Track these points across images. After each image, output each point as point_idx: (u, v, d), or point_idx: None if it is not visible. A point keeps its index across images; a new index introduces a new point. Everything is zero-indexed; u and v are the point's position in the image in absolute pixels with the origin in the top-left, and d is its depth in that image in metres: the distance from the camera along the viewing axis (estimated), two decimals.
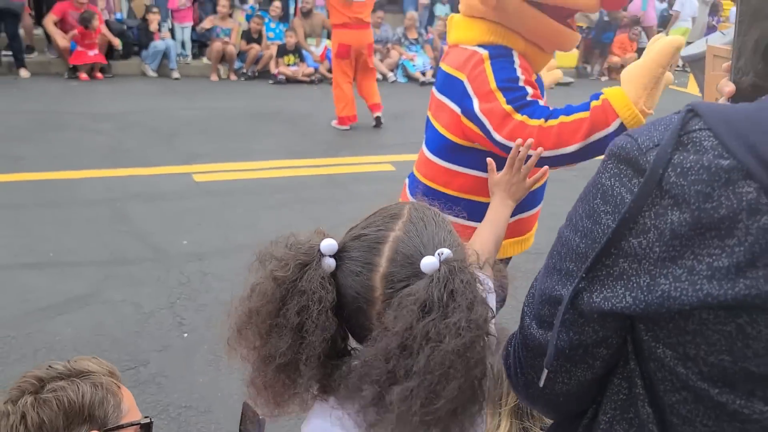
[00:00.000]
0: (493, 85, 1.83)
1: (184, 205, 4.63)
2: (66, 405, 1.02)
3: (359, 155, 6.13)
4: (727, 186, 0.67)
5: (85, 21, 8.07)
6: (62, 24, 8.24)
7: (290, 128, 6.90)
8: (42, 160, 5.23)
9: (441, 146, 2.01)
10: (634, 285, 0.73)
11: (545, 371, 0.84)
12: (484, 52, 1.89)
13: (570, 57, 12.00)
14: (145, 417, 1.14)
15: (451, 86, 1.94)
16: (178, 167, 5.37)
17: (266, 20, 9.75)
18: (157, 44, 8.74)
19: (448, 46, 2.08)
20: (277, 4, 9.84)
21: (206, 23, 9.34)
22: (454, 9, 2.56)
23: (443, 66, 2.03)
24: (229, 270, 3.73)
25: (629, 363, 0.81)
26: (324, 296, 0.87)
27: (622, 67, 12.03)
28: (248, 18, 9.75)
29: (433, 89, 2.09)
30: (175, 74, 8.86)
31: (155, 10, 8.99)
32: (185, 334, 3.12)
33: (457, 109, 1.91)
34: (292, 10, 10.60)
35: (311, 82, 9.33)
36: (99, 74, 8.34)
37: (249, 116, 7.21)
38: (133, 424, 1.11)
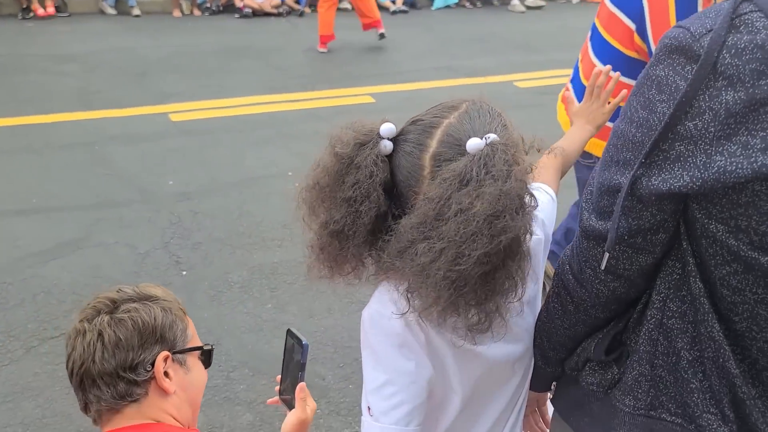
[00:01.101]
0: (672, 19, 1.84)
1: (165, 145, 4.53)
2: (140, 325, 1.05)
3: (337, 88, 6.02)
4: None
5: None
6: None
7: (263, 63, 6.71)
8: (9, 105, 5.02)
9: (610, 57, 1.99)
10: (691, 165, 0.77)
11: (606, 255, 0.88)
12: None
13: None
14: (206, 344, 1.18)
15: (628, 1, 1.93)
16: (153, 107, 5.21)
17: None
18: None
19: None
20: None
21: None
22: None
23: None
24: (219, 207, 3.70)
25: (681, 243, 0.86)
26: (375, 172, 0.93)
27: None
28: None
29: (606, 0, 2.07)
30: (135, 11, 8.46)
31: None
32: (184, 272, 3.12)
33: (632, 26, 1.92)
34: None
35: (279, 14, 9.02)
36: (51, 9, 7.91)
37: (219, 52, 6.98)
38: (197, 348, 1.15)
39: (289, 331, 1.15)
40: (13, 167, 4.03)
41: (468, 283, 0.86)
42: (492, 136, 0.89)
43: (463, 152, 0.89)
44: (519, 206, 0.86)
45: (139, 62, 6.40)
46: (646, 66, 0.86)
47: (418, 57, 7.29)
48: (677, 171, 0.78)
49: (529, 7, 10.62)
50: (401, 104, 5.63)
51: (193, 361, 1.14)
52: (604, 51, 2.07)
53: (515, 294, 0.92)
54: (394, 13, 9.58)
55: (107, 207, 3.64)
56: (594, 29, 2.13)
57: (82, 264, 3.13)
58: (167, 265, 3.17)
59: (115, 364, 1.03)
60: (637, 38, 1.93)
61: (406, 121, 0.99)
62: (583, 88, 2.15)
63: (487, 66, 7.02)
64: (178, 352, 1.10)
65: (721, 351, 0.85)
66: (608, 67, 1.47)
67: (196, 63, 6.52)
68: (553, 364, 1.10)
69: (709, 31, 0.76)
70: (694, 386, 0.88)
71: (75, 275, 3.04)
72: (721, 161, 0.74)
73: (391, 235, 0.92)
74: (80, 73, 5.95)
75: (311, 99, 5.70)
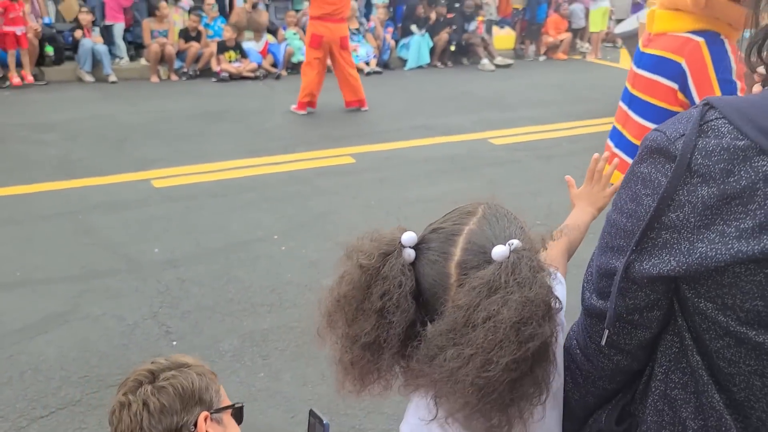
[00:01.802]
0: (713, 78, 2.06)
1: (148, 212, 4.53)
2: (180, 390, 1.15)
3: (317, 149, 6.13)
4: (744, 162, 0.81)
5: None
6: None
7: (242, 126, 6.82)
8: None
9: (656, 115, 2.19)
10: (677, 251, 0.86)
11: (606, 331, 0.96)
12: (701, 39, 2.09)
13: (507, 39, 12.27)
14: (237, 403, 1.27)
15: (666, 67, 2.16)
16: (135, 174, 5.24)
17: (202, 16, 9.54)
18: (85, 42, 8.40)
19: (653, 34, 2.27)
20: (210, 0, 9.65)
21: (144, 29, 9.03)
22: None
23: (652, 51, 2.23)
24: (207, 274, 3.70)
25: (677, 320, 0.93)
26: (404, 281, 0.95)
27: (557, 46, 12.41)
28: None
29: (639, 70, 2.29)
30: (112, 77, 8.57)
31: (85, 9, 8.68)
32: (174, 342, 3.09)
33: (674, 86, 2.14)
34: (227, 5, 10.40)
35: (256, 77, 9.21)
36: (29, 77, 7.97)
37: (198, 116, 7.08)
38: (232, 406, 1.24)
39: (311, 412, 1.18)
40: None
41: (496, 390, 0.88)
42: (515, 243, 0.92)
43: (489, 259, 0.92)
44: (546, 312, 0.90)
45: (119, 129, 6.45)
46: (632, 163, 0.96)
47: (395, 116, 7.48)
48: (665, 256, 0.87)
49: (498, 66, 11.02)
50: (381, 164, 5.75)
51: (228, 419, 1.23)
52: (649, 111, 2.28)
53: (539, 399, 0.94)
54: (369, 74, 9.85)
55: (93, 278, 3.61)
56: (632, 97, 2.35)
57: (69, 338, 3.08)
58: (157, 335, 3.13)
59: (162, 429, 1.12)
60: (680, 95, 2.16)
61: (425, 228, 1.02)
62: (635, 148, 2.34)
63: (463, 124, 7.23)
64: (216, 411, 1.19)
65: (723, 420, 0.90)
66: (606, 153, 1.58)
67: (175, 128, 6.60)
68: None
69: (682, 135, 0.87)
70: None
71: (63, 350, 2.98)
72: (702, 248, 0.83)
73: (419, 342, 0.93)
74: (60, 141, 5.97)
75: (292, 161, 5.79)
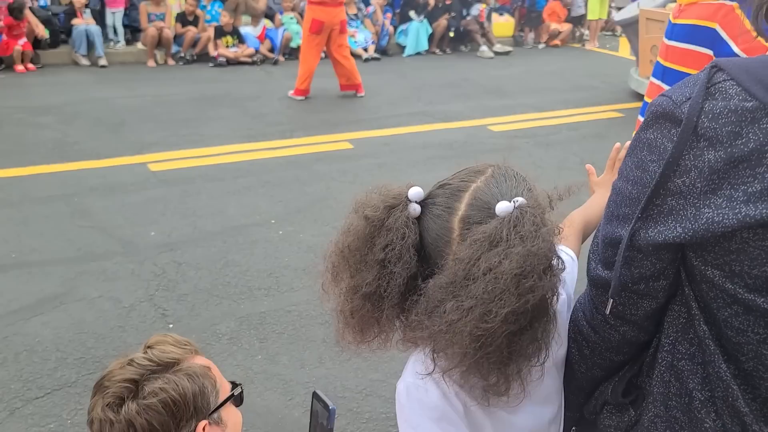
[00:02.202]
0: (749, 26, 2.03)
1: (145, 195, 4.50)
2: (172, 405, 1.00)
3: (315, 135, 6.09)
4: (753, 124, 0.79)
5: (14, 12, 7.62)
6: None
7: (240, 111, 6.77)
8: None
9: None
10: (682, 217, 0.84)
11: (610, 301, 0.94)
12: (733, 3, 2.12)
13: (506, 26, 12.21)
14: (233, 384, 1.14)
15: (700, 34, 2.19)
16: (132, 158, 5.20)
17: (200, 1, 9.46)
18: (79, 27, 8.32)
19: (683, 5, 2.30)
20: None
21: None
22: None
23: (684, 20, 2.25)
24: (204, 258, 3.68)
25: (684, 289, 0.92)
26: (407, 234, 0.95)
27: (558, 33, 12.32)
28: None
29: (671, 42, 2.31)
30: (102, 61, 8.46)
31: None
32: (170, 325, 3.07)
33: (709, 52, 2.16)
34: None
35: (253, 62, 9.14)
36: (30, 65, 7.93)
37: (195, 101, 7.03)
38: (230, 398, 1.12)
39: (314, 394, 1.10)
40: None
41: (494, 343, 0.88)
42: (520, 200, 0.92)
43: (492, 215, 0.92)
44: (547, 267, 0.89)
45: (115, 113, 6.40)
46: (638, 129, 0.93)
47: (394, 103, 7.44)
48: (671, 223, 0.85)
49: (496, 53, 10.96)
50: (379, 150, 5.72)
51: (228, 411, 1.11)
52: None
53: (538, 358, 0.93)
54: (367, 60, 9.79)
55: (89, 260, 3.59)
56: (666, 70, 2.36)
57: (65, 319, 3.06)
58: (153, 318, 3.12)
59: None
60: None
61: (433, 185, 1.02)
62: None
63: (461, 111, 7.19)
64: (213, 412, 1.06)
65: (730, 390, 0.88)
66: (627, 142, 1.56)
67: (173, 112, 6.55)
68: (573, 408, 1.12)
69: (688, 99, 0.85)
70: (707, 426, 0.91)
71: (58, 331, 2.97)
72: (709, 213, 0.81)
73: (420, 295, 0.94)
74: (56, 124, 5.93)
75: (290, 146, 5.76)
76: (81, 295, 3.26)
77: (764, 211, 0.77)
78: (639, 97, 7.14)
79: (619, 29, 12.99)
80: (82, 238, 3.82)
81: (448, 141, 6.08)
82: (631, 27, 8.19)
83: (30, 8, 8.19)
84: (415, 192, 0.98)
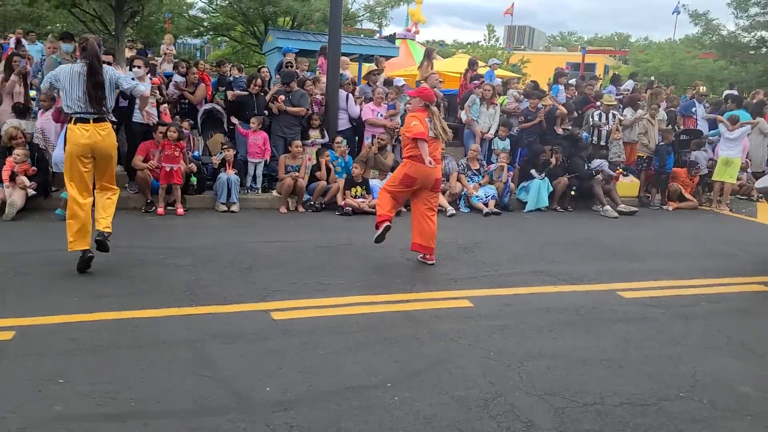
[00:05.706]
0: None
1: (265, 345, 4.52)
2: None
3: (434, 290, 6.00)
4: None
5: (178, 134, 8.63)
6: (145, 162, 8.72)
7: (362, 261, 6.88)
8: (124, 297, 5.28)
9: None
10: None
11: None
12: None
13: (631, 186, 11.97)
14: None
15: None
16: (256, 304, 5.33)
17: (332, 153, 10.11)
18: (221, 176, 9.06)
19: None
20: (339, 139, 10.22)
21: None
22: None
23: None
24: (317, 422, 3.52)
25: None
26: None
27: (681, 194, 11.86)
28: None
29: None
30: (235, 207, 9.06)
31: (226, 146, 9.49)
32: None
33: None
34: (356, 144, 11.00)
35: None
36: (180, 210, 8.64)
37: (320, 249, 7.26)
38: None
39: None
40: (118, 364, 4.08)
41: None
42: None
43: None
44: None
45: (246, 257, 6.72)
46: None
47: (515, 260, 7.27)
48: None
49: (621, 213, 10.65)
50: (501, 311, 5.49)
51: None
52: None
53: None
54: (487, 214, 9.83)
55: (203, 414, 3.55)
56: None
57: None
58: None
59: None
60: None
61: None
62: None
63: (587, 272, 6.88)
64: None
65: None
66: None
67: (298, 259, 6.77)
68: None
69: None
70: None
71: None
72: None
73: None
74: (192, 266, 6.28)
75: (409, 301, 5.67)
76: None
77: None
78: None
79: (755, 193, 12.32)
80: (200, 388, 3.82)
81: (574, 305, 5.74)
82: None
83: (182, 153, 9.06)
84: None
